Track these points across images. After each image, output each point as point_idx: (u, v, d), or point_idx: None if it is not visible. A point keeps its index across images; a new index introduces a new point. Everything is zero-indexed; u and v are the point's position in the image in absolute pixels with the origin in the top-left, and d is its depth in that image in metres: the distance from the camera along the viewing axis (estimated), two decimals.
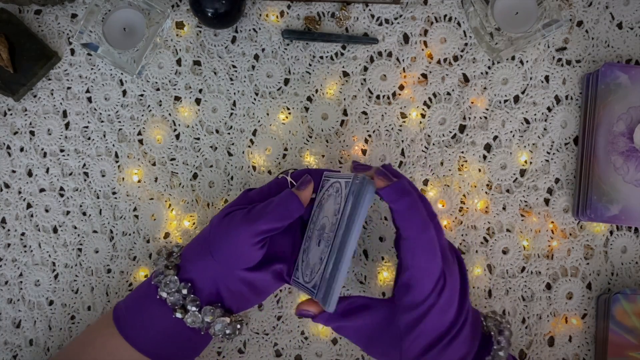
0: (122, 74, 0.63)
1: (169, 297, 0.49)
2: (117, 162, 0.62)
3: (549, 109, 0.62)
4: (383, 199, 0.46)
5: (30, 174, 0.63)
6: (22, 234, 0.62)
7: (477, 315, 0.50)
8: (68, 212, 0.62)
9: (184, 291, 0.49)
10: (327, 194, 0.50)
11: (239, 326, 0.52)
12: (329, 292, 0.45)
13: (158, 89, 0.62)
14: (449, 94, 0.62)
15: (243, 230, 0.48)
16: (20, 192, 0.62)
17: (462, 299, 0.47)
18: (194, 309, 0.49)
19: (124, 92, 0.63)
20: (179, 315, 0.49)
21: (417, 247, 0.45)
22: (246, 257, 0.49)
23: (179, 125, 0.62)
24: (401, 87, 0.62)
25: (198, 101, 0.62)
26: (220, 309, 0.50)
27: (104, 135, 0.62)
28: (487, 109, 0.62)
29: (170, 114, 0.62)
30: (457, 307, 0.46)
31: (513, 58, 0.62)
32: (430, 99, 0.62)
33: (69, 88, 0.63)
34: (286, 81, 0.62)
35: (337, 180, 0.49)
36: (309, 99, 0.62)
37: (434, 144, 0.62)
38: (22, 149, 0.63)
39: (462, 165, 0.62)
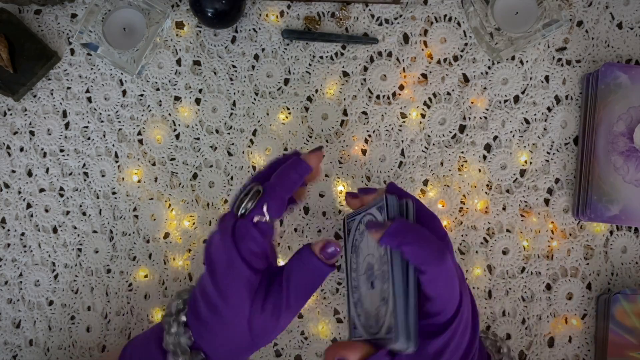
0: (122, 74, 0.63)
1: None
2: (117, 162, 0.62)
3: (549, 109, 0.62)
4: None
5: (30, 174, 0.63)
6: (22, 234, 0.62)
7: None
8: (68, 212, 0.62)
9: None
10: (358, 233, 0.47)
11: None
12: (408, 329, 0.41)
13: (158, 89, 0.62)
14: (449, 94, 0.62)
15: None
16: (20, 192, 0.62)
17: (475, 317, 0.44)
18: None
19: (124, 92, 0.63)
20: None
21: (438, 280, 0.41)
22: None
23: (179, 125, 0.62)
24: (401, 87, 0.62)
25: (198, 101, 0.62)
26: None
27: (104, 135, 0.62)
28: (487, 109, 0.62)
29: (170, 114, 0.62)
30: (471, 327, 0.44)
31: (513, 58, 0.62)
32: (430, 99, 0.62)
33: (68, 88, 0.63)
34: (286, 81, 0.62)
35: (366, 214, 0.46)
36: (309, 99, 0.62)
37: (434, 144, 0.62)
38: (22, 149, 0.63)
39: (462, 166, 0.62)
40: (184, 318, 0.45)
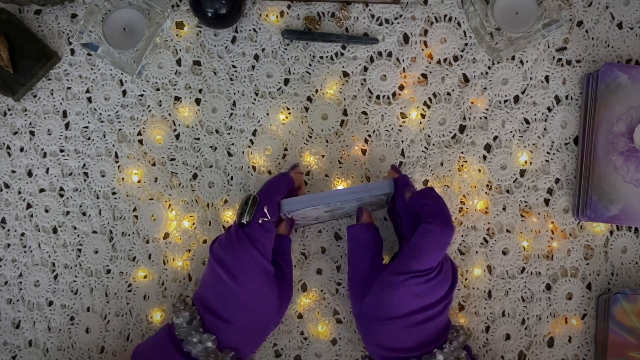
0: (122, 74, 0.63)
1: None
2: (117, 162, 0.62)
3: (549, 109, 0.62)
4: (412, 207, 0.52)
5: (30, 174, 0.63)
6: (22, 234, 0.62)
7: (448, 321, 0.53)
8: (68, 213, 0.62)
9: None
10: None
11: None
12: None
13: (158, 89, 0.62)
14: (449, 94, 0.62)
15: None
16: (20, 192, 0.62)
17: (448, 294, 0.51)
18: None
19: (124, 92, 0.63)
20: None
21: (434, 239, 0.49)
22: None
23: (179, 125, 0.62)
24: (401, 87, 0.62)
25: (198, 101, 0.62)
26: None
27: (104, 136, 0.62)
28: (487, 109, 0.62)
29: (170, 114, 0.62)
30: (440, 297, 0.50)
31: (513, 58, 0.62)
32: (430, 99, 0.62)
33: (69, 88, 0.63)
34: (286, 81, 0.62)
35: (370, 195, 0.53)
36: (309, 99, 0.62)
37: (434, 144, 0.62)
38: (22, 149, 0.63)
39: (462, 166, 0.62)
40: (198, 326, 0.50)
